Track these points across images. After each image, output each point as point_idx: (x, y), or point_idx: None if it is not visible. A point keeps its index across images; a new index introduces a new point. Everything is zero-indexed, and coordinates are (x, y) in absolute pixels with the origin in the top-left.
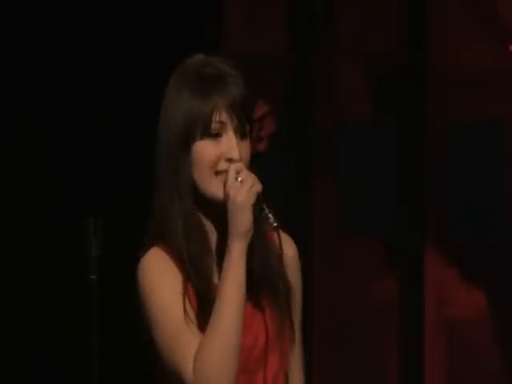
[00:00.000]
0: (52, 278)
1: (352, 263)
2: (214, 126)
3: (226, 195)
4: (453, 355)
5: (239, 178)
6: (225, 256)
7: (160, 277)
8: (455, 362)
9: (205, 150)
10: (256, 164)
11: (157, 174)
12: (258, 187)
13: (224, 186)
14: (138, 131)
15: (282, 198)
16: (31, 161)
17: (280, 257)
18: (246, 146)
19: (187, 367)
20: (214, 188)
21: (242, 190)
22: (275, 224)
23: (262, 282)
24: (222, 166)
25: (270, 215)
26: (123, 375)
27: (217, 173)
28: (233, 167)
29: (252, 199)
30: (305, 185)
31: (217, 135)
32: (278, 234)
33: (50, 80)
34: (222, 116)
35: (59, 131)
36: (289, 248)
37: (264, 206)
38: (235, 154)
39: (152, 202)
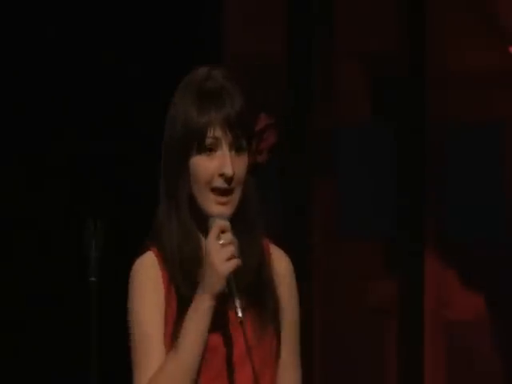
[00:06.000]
0: (51, 279)
1: (352, 263)
2: (208, 141)
3: (205, 249)
4: (452, 355)
5: (221, 240)
6: (191, 306)
7: (145, 289)
8: (455, 363)
9: (200, 165)
10: (256, 175)
11: (160, 183)
12: (238, 261)
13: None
14: (139, 133)
15: (281, 198)
16: (31, 162)
17: (271, 273)
18: (242, 160)
19: None
20: (208, 203)
21: (220, 255)
22: (240, 315)
23: (251, 295)
24: (216, 181)
25: (238, 306)
26: (122, 377)
27: (212, 189)
28: (218, 224)
29: (228, 270)
30: (305, 185)
31: (211, 150)
32: (242, 326)
33: (51, 80)
34: (216, 132)
35: (59, 132)
36: (281, 264)
37: (235, 292)
38: (228, 170)
39: (157, 204)
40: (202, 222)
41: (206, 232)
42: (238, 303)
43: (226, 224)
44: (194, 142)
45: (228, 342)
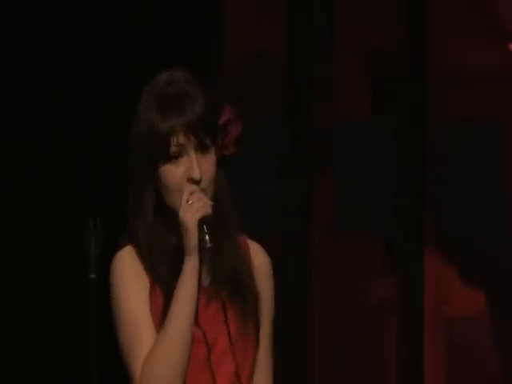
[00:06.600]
0: (51, 277)
1: (352, 263)
2: (173, 149)
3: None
4: (452, 353)
5: (190, 201)
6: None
7: (128, 277)
8: (455, 361)
9: (167, 173)
10: (225, 167)
11: (128, 185)
12: (206, 210)
13: None
14: None
15: (282, 197)
16: (31, 160)
17: (250, 267)
18: (208, 159)
19: (137, 371)
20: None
21: (188, 209)
22: (209, 245)
23: (232, 289)
24: (186, 186)
25: (207, 236)
26: (122, 374)
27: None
28: (187, 189)
29: (195, 219)
30: (305, 185)
31: (177, 157)
32: (214, 251)
33: (51, 80)
34: (179, 138)
35: (59, 131)
36: (259, 258)
37: (204, 226)
38: (196, 175)
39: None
40: (174, 225)
41: (178, 234)
42: (205, 228)
43: (194, 187)
44: (158, 151)
45: (211, 335)
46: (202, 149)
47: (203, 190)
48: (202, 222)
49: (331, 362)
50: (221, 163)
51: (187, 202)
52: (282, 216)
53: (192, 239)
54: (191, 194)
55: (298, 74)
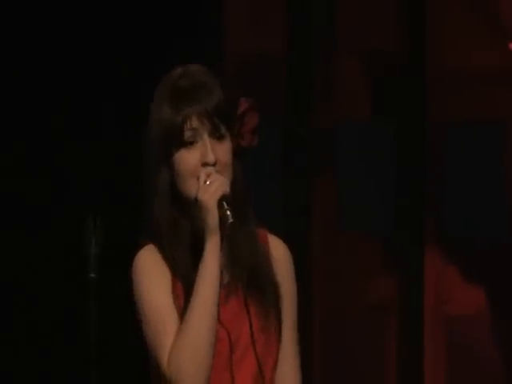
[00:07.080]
0: (51, 276)
1: (352, 263)
2: (187, 134)
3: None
4: (453, 353)
5: (208, 181)
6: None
7: (150, 272)
8: (455, 360)
9: (182, 160)
10: (243, 158)
11: (143, 182)
12: (224, 188)
13: None
14: (138, 129)
15: (282, 197)
16: (31, 159)
17: (268, 258)
18: (224, 146)
19: (164, 358)
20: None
21: (207, 190)
22: (231, 220)
23: (250, 282)
24: (201, 171)
25: (228, 212)
26: (122, 374)
27: (198, 179)
28: (203, 171)
29: (215, 198)
30: (305, 185)
31: (192, 143)
32: (233, 228)
33: (51, 80)
34: (193, 123)
35: (59, 130)
36: (279, 251)
37: (224, 203)
38: (210, 158)
39: (143, 205)
40: (189, 214)
41: (194, 223)
42: (225, 205)
43: (211, 169)
44: (172, 139)
45: (234, 333)
46: (216, 135)
47: (219, 172)
48: (222, 199)
49: (331, 362)
50: (238, 154)
51: (205, 182)
52: (282, 216)
53: (213, 219)
54: (208, 175)
55: (298, 74)
